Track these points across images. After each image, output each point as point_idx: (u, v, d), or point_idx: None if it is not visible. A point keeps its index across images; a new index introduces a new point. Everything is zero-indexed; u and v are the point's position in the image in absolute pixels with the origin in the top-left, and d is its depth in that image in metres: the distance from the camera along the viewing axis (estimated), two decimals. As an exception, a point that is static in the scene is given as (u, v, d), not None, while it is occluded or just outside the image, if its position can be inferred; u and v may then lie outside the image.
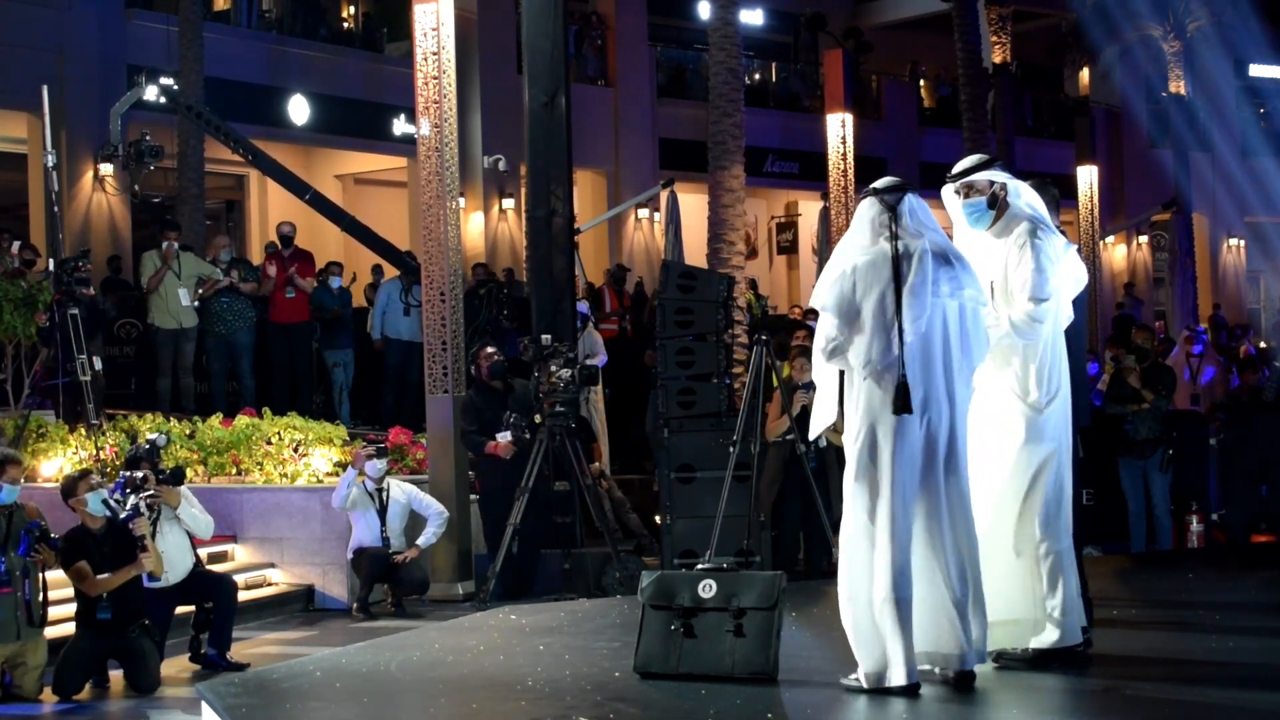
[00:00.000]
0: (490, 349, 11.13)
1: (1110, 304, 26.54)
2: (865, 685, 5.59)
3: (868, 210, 5.79)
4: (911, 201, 5.78)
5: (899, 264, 5.64)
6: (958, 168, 6.20)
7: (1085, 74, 31.68)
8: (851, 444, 5.71)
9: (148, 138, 13.68)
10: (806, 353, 10.71)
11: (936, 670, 5.70)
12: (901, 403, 5.58)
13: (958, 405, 5.75)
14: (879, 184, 5.87)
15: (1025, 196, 6.18)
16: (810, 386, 10.18)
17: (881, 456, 5.62)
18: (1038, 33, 31.12)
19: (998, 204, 6.13)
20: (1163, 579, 9.22)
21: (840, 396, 5.97)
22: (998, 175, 6.14)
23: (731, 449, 8.81)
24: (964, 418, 5.78)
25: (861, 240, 5.76)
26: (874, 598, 5.56)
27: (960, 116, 23.28)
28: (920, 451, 5.64)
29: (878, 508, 5.61)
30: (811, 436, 6.14)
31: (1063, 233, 6.50)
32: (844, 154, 18.93)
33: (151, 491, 8.49)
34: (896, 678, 5.52)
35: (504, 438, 10.69)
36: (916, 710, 5.45)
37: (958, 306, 5.76)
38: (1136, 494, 11.80)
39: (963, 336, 5.77)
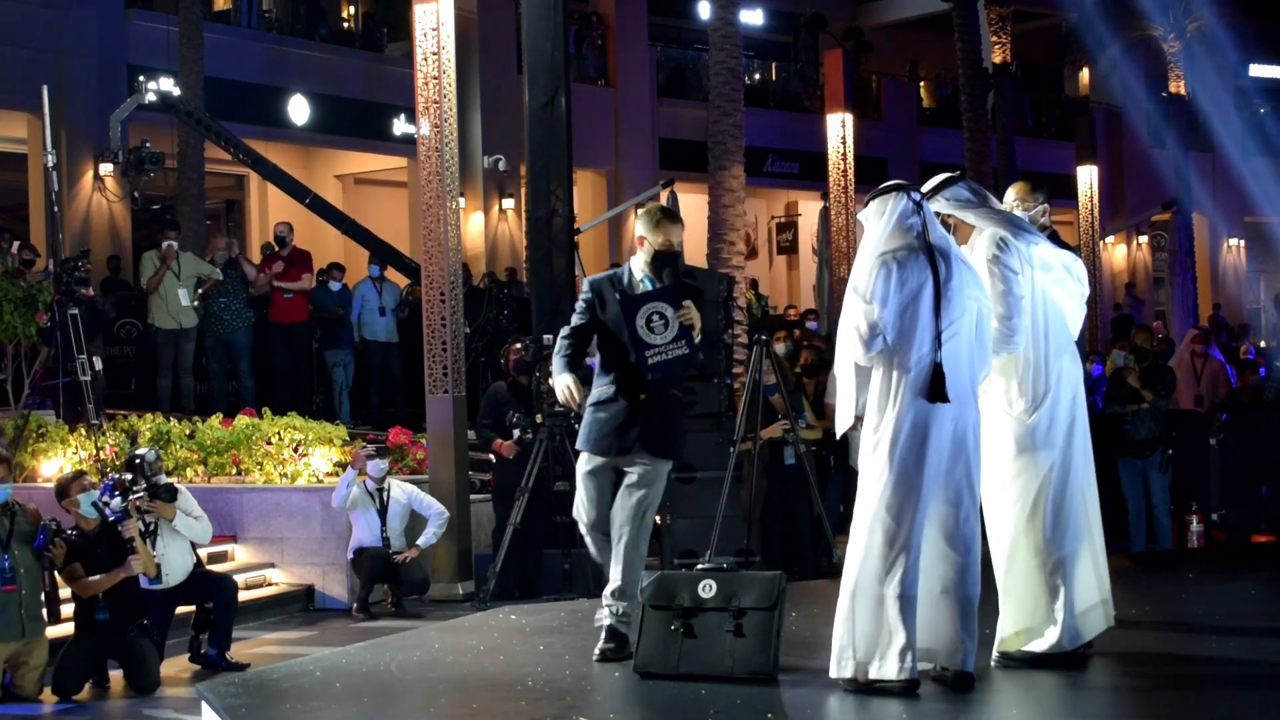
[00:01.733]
0: (519, 344, 11.15)
1: (1110, 304, 26.54)
2: (860, 679, 5.56)
3: (895, 204, 5.73)
4: (927, 203, 5.81)
5: (935, 259, 5.64)
6: (924, 187, 6.15)
7: (1085, 74, 31.69)
8: (881, 437, 5.64)
9: (148, 145, 13.69)
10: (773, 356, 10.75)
11: (935, 668, 5.70)
12: (937, 391, 5.55)
13: (978, 406, 5.76)
14: (901, 181, 5.85)
15: (983, 208, 6.10)
16: (775, 389, 10.17)
17: (913, 452, 5.58)
18: (1038, 33, 31.10)
19: (952, 230, 6.07)
20: (1163, 579, 9.20)
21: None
22: (942, 205, 6.05)
23: (731, 449, 8.83)
24: (980, 419, 5.78)
25: (889, 233, 5.70)
26: (884, 592, 5.53)
27: (960, 116, 23.27)
28: (948, 449, 5.63)
29: (903, 503, 5.57)
30: (839, 434, 6.12)
31: (1051, 230, 6.45)
32: (844, 154, 18.92)
33: (141, 494, 8.52)
34: (897, 673, 5.51)
35: (515, 434, 10.70)
36: (916, 710, 5.45)
37: (976, 309, 5.77)
38: (1136, 494, 11.80)
39: (979, 340, 5.78)
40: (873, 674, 5.55)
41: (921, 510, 5.59)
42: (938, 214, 6.03)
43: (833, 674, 5.65)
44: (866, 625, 5.57)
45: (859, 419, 5.80)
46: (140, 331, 14.56)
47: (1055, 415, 6.09)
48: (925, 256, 5.64)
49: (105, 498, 8.31)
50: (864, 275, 5.69)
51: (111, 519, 8.24)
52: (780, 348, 12.70)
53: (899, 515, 5.58)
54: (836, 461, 11.86)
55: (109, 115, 17.09)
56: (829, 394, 10.35)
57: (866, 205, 5.87)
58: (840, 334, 5.81)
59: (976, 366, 5.77)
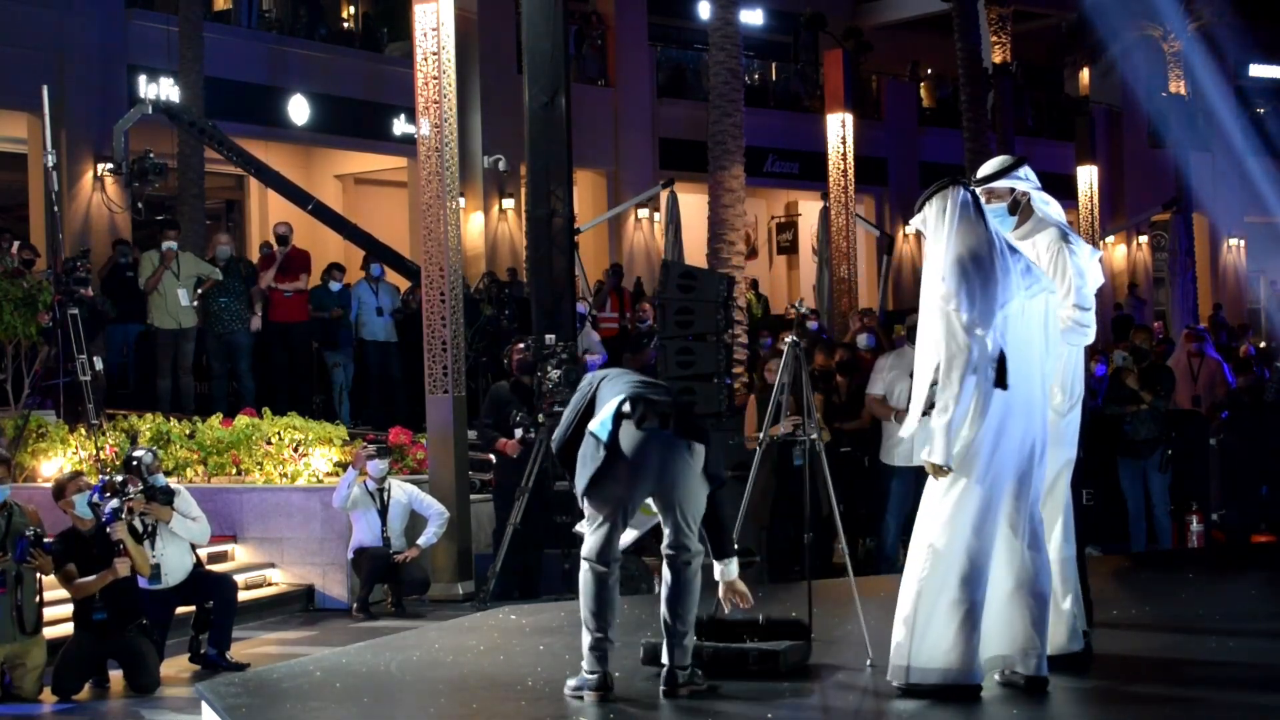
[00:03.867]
0: (522, 344, 11.14)
1: (1110, 304, 26.53)
2: (938, 683, 5.51)
3: (955, 198, 5.66)
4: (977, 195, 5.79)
5: (994, 253, 5.60)
6: (982, 171, 6.15)
7: (1085, 74, 31.68)
8: (967, 439, 5.57)
9: (151, 155, 13.68)
10: (777, 354, 10.73)
11: (1005, 671, 5.68)
12: (1001, 377, 5.47)
13: (1046, 405, 5.74)
14: (948, 178, 5.80)
15: (1051, 203, 6.16)
16: (784, 389, 10.14)
17: (995, 452, 5.54)
18: (1038, 33, 31.12)
19: (1019, 210, 6.11)
20: (1163, 579, 9.21)
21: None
22: (1019, 183, 6.08)
23: (759, 447, 8.72)
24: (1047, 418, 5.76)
25: (959, 230, 5.63)
26: (956, 597, 5.50)
27: (960, 116, 23.28)
28: (1016, 444, 5.59)
29: (980, 505, 5.53)
30: (906, 435, 6.10)
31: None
32: (844, 154, 18.92)
33: (137, 495, 8.51)
34: (975, 678, 5.51)
35: (518, 433, 10.70)
36: (916, 711, 5.45)
37: (1044, 302, 5.74)
38: (1136, 494, 11.77)
39: (1047, 337, 5.76)
40: (954, 677, 5.50)
41: (994, 513, 5.56)
42: (1011, 190, 6.03)
43: (896, 680, 5.60)
44: (936, 629, 5.51)
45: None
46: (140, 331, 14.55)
47: (1080, 415, 6.12)
48: (990, 248, 5.58)
49: (96, 498, 8.29)
50: (949, 281, 5.57)
51: (105, 520, 8.22)
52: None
53: (978, 518, 5.53)
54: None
55: (109, 115, 17.05)
56: (871, 385, 10.33)
57: (920, 211, 5.76)
58: (925, 343, 5.67)
59: (1045, 365, 5.74)
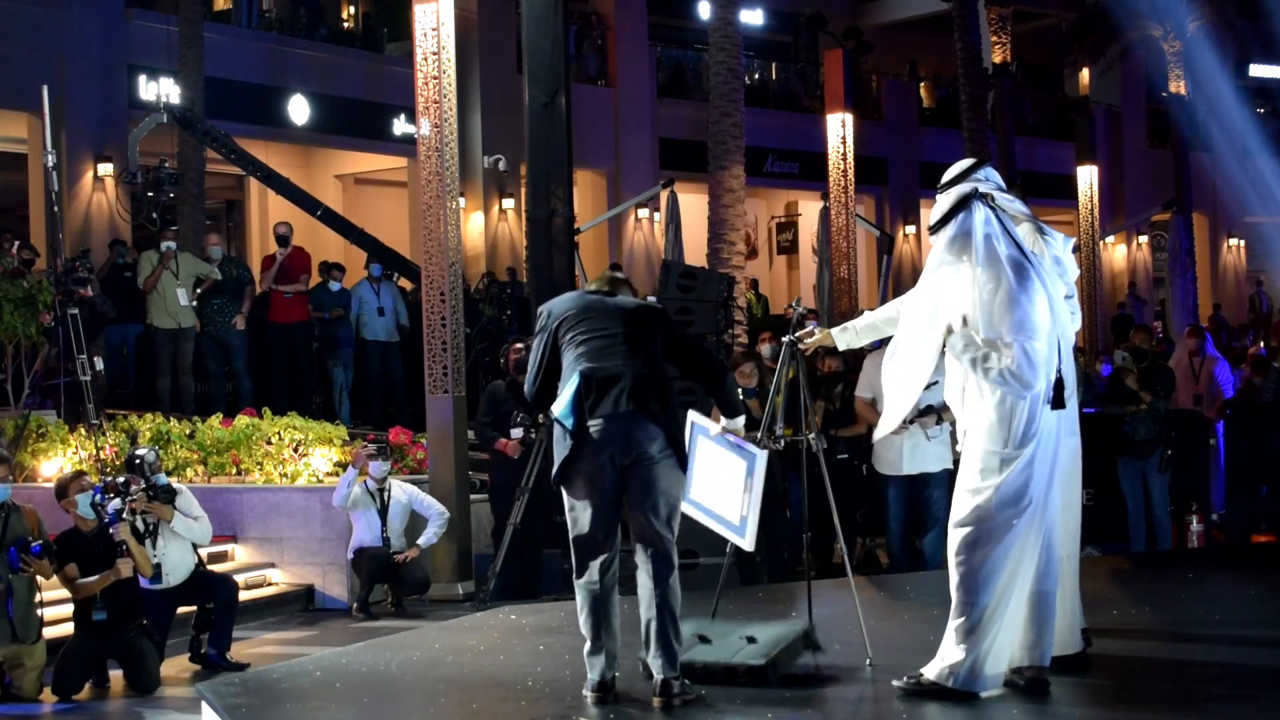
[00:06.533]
0: (519, 344, 11.12)
1: (1111, 304, 26.52)
2: (953, 686, 5.52)
3: (979, 217, 5.65)
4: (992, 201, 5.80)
5: (1028, 263, 5.62)
6: (944, 178, 6.11)
7: (1085, 74, 31.69)
8: (989, 450, 5.58)
9: (166, 165, 13.67)
10: (748, 357, 10.72)
11: (1006, 672, 5.69)
12: (1058, 397, 5.51)
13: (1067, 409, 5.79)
14: (968, 190, 5.73)
15: (1015, 201, 6.16)
16: (753, 393, 10.09)
17: (1044, 466, 5.57)
18: (1038, 33, 31.13)
19: None
20: (1163, 579, 9.20)
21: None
22: (980, 185, 6.02)
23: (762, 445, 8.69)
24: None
25: (988, 251, 5.62)
26: (978, 603, 5.51)
27: (960, 116, 23.28)
28: (1052, 459, 5.61)
29: (1026, 516, 5.54)
30: (879, 436, 6.11)
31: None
32: (844, 154, 18.92)
33: (139, 495, 8.51)
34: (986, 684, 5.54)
35: (516, 433, 10.70)
36: (916, 711, 5.45)
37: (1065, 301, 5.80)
38: (1136, 494, 11.75)
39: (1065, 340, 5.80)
40: (964, 683, 5.51)
41: (1031, 522, 5.57)
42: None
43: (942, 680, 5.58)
44: (974, 632, 5.52)
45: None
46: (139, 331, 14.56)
47: (1075, 407, 6.14)
48: (1030, 263, 5.60)
49: (98, 498, 8.29)
50: (1001, 311, 5.55)
51: (108, 520, 8.22)
52: (766, 349, 12.63)
53: (1023, 528, 5.54)
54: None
55: (109, 115, 17.10)
56: (859, 389, 10.31)
57: (937, 230, 5.73)
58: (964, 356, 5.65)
59: (1071, 368, 5.79)
